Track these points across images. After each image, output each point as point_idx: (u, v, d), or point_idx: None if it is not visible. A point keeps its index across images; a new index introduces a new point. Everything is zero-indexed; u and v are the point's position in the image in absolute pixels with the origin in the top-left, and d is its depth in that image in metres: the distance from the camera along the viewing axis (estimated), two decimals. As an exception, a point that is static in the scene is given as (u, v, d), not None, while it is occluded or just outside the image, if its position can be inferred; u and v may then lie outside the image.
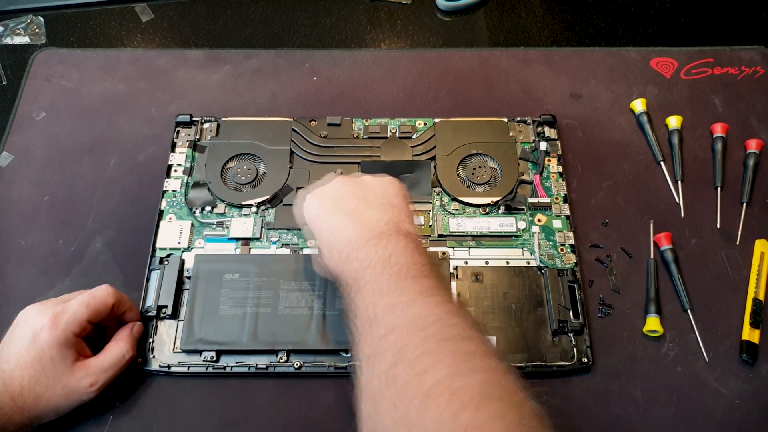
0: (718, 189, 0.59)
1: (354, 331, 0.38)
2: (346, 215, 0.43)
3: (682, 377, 0.50)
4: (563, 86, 0.66)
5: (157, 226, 0.55)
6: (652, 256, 0.55)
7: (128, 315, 0.49)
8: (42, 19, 0.72)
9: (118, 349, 0.46)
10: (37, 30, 0.71)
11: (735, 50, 0.68)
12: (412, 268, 0.38)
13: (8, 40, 0.71)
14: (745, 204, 0.58)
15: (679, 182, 0.59)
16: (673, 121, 0.62)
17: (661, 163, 0.60)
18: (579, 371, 0.50)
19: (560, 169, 0.59)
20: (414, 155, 0.59)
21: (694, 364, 0.51)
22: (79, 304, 0.45)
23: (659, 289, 0.53)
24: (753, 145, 0.60)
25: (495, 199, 0.56)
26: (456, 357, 0.32)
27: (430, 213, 0.56)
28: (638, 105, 0.63)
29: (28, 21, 0.72)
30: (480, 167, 0.58)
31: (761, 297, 0.53)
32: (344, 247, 0.41)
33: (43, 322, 0.43)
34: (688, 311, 0.52)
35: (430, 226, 0.55)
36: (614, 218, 0.57)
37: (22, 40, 0.71)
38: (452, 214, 0.56)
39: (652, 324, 0.51)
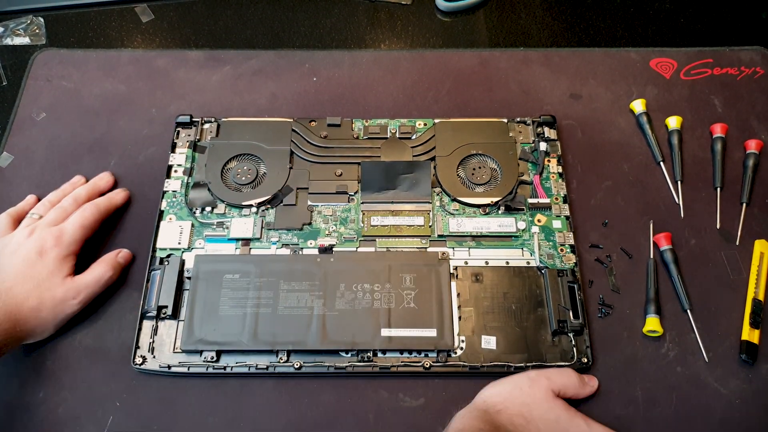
0: (718, 189, 0.59)
1: None
2: None
3: (682, 377, 0.50)
4: (563, 87, 0.66)
5: (157, 227, 0.55)
6: (651, 256, 0.55)
7: (114, 199, 0.55)
8: (42, 20, 0.72)
9: (100, 269, 0.51)
10: (37, 30, 0.71)
11: (735, 51, 0.68)
12: None
13: (8, 41, 0.71)
14: (744, 204, 0.58)
15: (679, 182, 0.59)
16: (673, 122, 0.62)
17: (661, 163, 0.60)
18: (579, 371, 0.50)
19: (560, 170, 0.59)
20: (414, 155, 0.59)
21: (694, 364, 0.51)
22: (75, 226, 0.51)
23: (659, 290, 0.54)
24: (752, 146, 0.60)
25: (495, 199, 0.56)
26: None
27: (430, 213, 0.56)
28: (638, 105, 0.63)
29: (29, 21, 0.72)
30: (480, 167, 0.58)
31: (761, 297, 0.53)
32: None
33: (48, 241, 0.49)
34: (688, 311, 0.52)
35: (430, 226, 0.55)
36: (614, 218, 0.58)
37: (23, 40, 0.71)
38: (452, 214, 0.56)
39: (652, 324, 0.51)
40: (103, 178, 0.58)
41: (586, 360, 0.50)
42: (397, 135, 0.60)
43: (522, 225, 0.55)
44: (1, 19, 0.72)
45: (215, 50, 0.69)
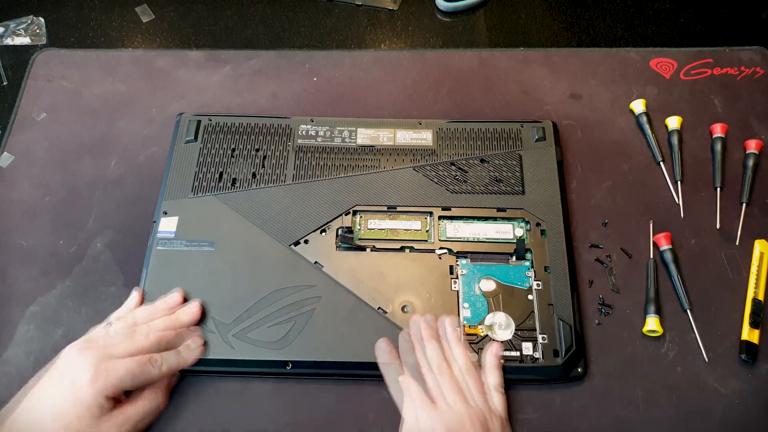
0: (718, 189, 0.59)
1: None
2: None
3: (682, 377, 0.50)
4: (563, 87, 0.66)
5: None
6: (651, 256, 0.55)
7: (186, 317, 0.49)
8: (42, 20, 0.72)
9: (155, 399, 0.45)
10: (37, 31, 0.72)
11: (734, 51, 0.68)
12: None
13: (9, 41, 0.71)
14: (744, 204, 0.58)
15: (679, 183, 0.59)
16: (673, 122, 0.62)
17: (661, 163, 0.60)
18: (574, 379, 0.50)
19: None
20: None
21: (694, 364, 0.51)
22: (127, 372, 0.42)
23: (659, 290, 0.54)
24: (752, 146, 0.60)
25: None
26: None
27: (428, 219, 0.56)
28: (638, 105, 0.63)
29: (29, 22, 0.72)
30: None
31: (761, 297, 0.53)
32: None
33: (87, 375, 0.41)
34: (688, 311, 0.52)
35: (427, 231, 0.55)
36: (614, 218, 0.58)
37: (23, 40, 0.71)
38: (449, 219, 0.56)
39: (652, 324, 0.51)
40: (193, 329, 0.49)
41: (580, 370, 0.49)
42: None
43: (519, 232, 0.55)
44: (2, 19, 0.72)
45: (215, 50, 0.69)
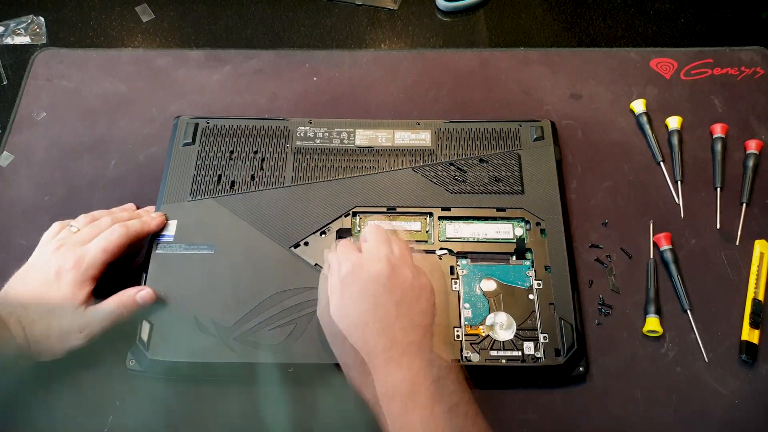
0: (718, 189, 0.59)
1: None
2: (376, 320, 0.43)
3: (682, 377, 0.50)
4: (563, 87, 0.66)
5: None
6: (651, 256, 0.55)
7: (145, 226, 0.52)
8: (43, 20, 0.72)
9: (112, 306, 0.48)
10: (37, 30, 0.72)
11: (735, 51, 0.68)
12: (470, 403, 0.41)
13: (9, 40, 0.71)
14: (744, 204, 0.58)
15: (679, 183, 0.59)
16: (673, 122, 0.62)
17: (661, 163, 0.60)
18: (576, 378, 0.50)
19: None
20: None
21: (694, 364, 0.51)
22: (97, 249, 0.49)
23: (659, 290, 0.54)
24: (752, 146, 0.60)
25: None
26: None
27: (428, 219, 0.56)
28: (638, 105, 0.63)
29: (29, 21, 0.72)
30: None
31: (761, 297, 0.53)
32: (367, 357, 0.42)
33: (68, 262, 0.48)
34: (688, 311, 0.52)
35: (427, 231, 0.55)
36: (614, 218, 0.58)
37: (23, 40, 0.71)
38: (449, 220, 0.56)
39: (652, 324, 0.51)
40: (150, 212, 0.55)
41: (582, 369, 0.49)
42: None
43: (519, 232, 0.55)
44: (2, 19, 0.72)
45: (215, 50, 0.69)
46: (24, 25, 0.72)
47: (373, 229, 0.48)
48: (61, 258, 0.48)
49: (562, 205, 0.56)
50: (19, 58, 0.69)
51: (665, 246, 0.55)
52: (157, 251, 0.53)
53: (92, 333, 0.47)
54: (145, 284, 0.51)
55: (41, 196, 0.59)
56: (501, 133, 0.60)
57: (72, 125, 0.63)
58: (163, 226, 0.54)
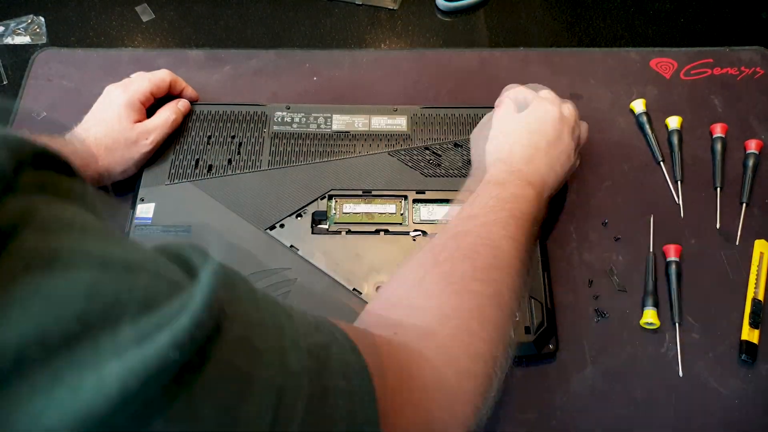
0: (718, 189, 0.59)
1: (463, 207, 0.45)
2: (530, 146, 0.49)
3: (682, 377, 0.50)
4: (563, 87, 0.66)
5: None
6: (651, 250, 0.55)
7: (185, 93, 0.61)
8: (43, 19, 0.72)
9: (165, 113, 0.58)
10: (37, 30, 0.72)
11: (735, 51, 0.68)
12: (530, 222, 0.45)
13: (9, 40, 0.71)
14: (744, 204, 0.58)
15: (679, 183, 0.59)
16: (673, 122, 0.62)
17: (661, 163, 0.60)
18: (546, 356, 0.50)
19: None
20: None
21: (694, 364, 0.51)
22: (143, 78, 0.58)
23: (657, 283, 0.54)
24: (752, 146, 0.60)
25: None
26: (499, 295, 0.40)
27: (403, 202, 0.56)
28: (638, 105, 0.63)
29: (29, 21, 0.72)
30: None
31: (761, 297, 0.53)
32: (510, 166, 0.48)
33: (118, 89, 0.57)
34: (676, 325, 0.52)
35: (402, 214, 0.56)
36: (614, 218, 0.58)
37: (23, 39, 0.71)
38: (423, 203, 0.56)
39: (649, 316, 0.51)
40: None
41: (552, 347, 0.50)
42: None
43: None
44: (2, 18, 0.72)
45: (215, 50, 0.69)
46: (24, 24, 0.72)
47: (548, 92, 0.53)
48: (115, 87, 0.58)
49: None
50: (19, 58, 0.69)
51: (672, 257, 0.55)
52: (135, 234, 0.54)
53: (157, 138, 0.56)
54: None
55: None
56: (476, 119, 0.60)
57: (72, 125, 0.63)
58: (195, 100, 0.62)
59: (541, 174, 0.48)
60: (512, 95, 0.53)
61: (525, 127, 0.50)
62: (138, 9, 0.74)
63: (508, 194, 0.45)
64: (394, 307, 0.38)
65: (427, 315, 0.37)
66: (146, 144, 0.56)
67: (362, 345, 0.30)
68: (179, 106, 0.59)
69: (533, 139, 0.49)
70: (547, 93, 0.53)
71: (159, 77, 0.58)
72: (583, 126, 0.54)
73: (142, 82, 0.57)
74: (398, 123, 0.60)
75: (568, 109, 0.52)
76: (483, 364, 0.36)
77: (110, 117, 0.55)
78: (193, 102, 0.62)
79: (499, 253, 0.41)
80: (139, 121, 0.56)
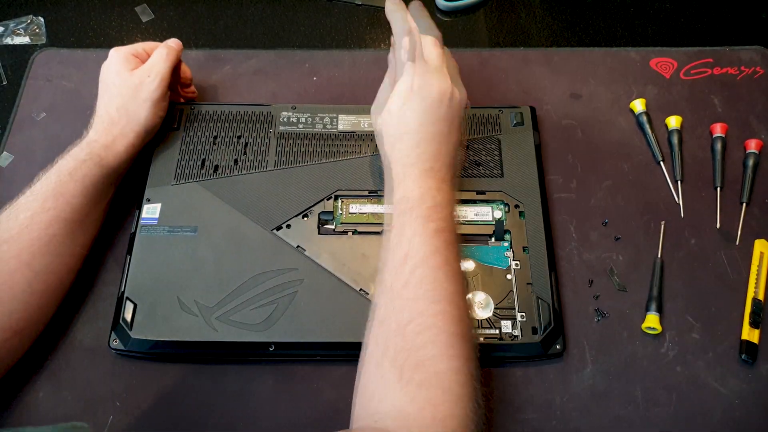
0: (718, 189, 0.59)
1: (386, 244, 0.45)
2: (429, 137, 0.47)
3: (682, 377, 0.50)
4: (563, 86, 0.66)
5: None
6: (659, 255, 0.55)
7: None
8: (42, 20, 0.72)
9: (158, 50, 0.56)
10: (37, 30, 0.71)
11: (734, 50, 0.68)
12: (453, 233, 0.45)
13: (8, 40, 0.71)
14: (744, 204, 0.58)
15: (679, 182, 0.59)
16: (673, 121, 0.62)
17: (661, 163, 0.60)
18: (553, 356, 0.50)
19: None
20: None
21: (694, 364, 0.51)
22: (136, 45, 0.58)
23: (662, 288, 0.54)
24: (752, 145, 0.60)
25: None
26: (450, 340, 0.41)
27: None
28: (638, 105, 0.63)
29: (29, 21, 0.72)
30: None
31: (761, 297, 0.53)
32: (413, 159, 0.47)
33: (112, 50, 0.57)
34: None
35: None
36: (614, 218, 0.58)
37: (23, 40, 0.71)
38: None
39: (651, 321, 0.51)
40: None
41: (559, 347, 0.50)
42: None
43: (498, 214, 0.55)
44: (2, 19, 0.72)
45: (215, 50, 0.69)
46: (23, 25, 0.72)
47: (433, 42, 0.50)
48: (110, 51, 0.57)
49: (541, 188, 0.57)
50: (19, 58, 0.69)
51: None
52: (141, 234, 0.54)
53: (158, 71, 0.55)
54: (128, 267, 0.52)
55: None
56: (482, 119, 0.60)
57: (72, 125, 0.63)
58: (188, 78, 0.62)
59: (448, 164, 0.48)
60: (411, 79, 0.48)
61: (427, 118, 0.47)
62: (137, 9, 0.74)
63: (429, 209, 0.45)
64: (370, 397, 0.40)
65: (396, 397, 0.39)
66: (150, 81, 0.55)
67: None
68: (169, 42, 0.58)
69: (436, 129, 0.48)
70: (434, 58, 0.49)
71: (146, 42, 0.59)
72: (462, 90, 0.50)
73: (134, 46, 0.58)
74: None
75: (456, 77, 0.50)
76: (458, 419, 0.38)
77: (110, 80, 0.55)
78: (198, 102, 0.62)
79: (440, 293, 0.42)
80: (135, 68, 0.57)
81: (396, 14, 0.50)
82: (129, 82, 0.55)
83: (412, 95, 0.47)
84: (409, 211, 0.45)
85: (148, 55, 0.57)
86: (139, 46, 0.58)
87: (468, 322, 0.43)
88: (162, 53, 0.56)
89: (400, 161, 0.47)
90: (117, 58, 0.56)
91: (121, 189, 0.57)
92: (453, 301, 0.42)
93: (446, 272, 0.43)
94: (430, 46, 0.49)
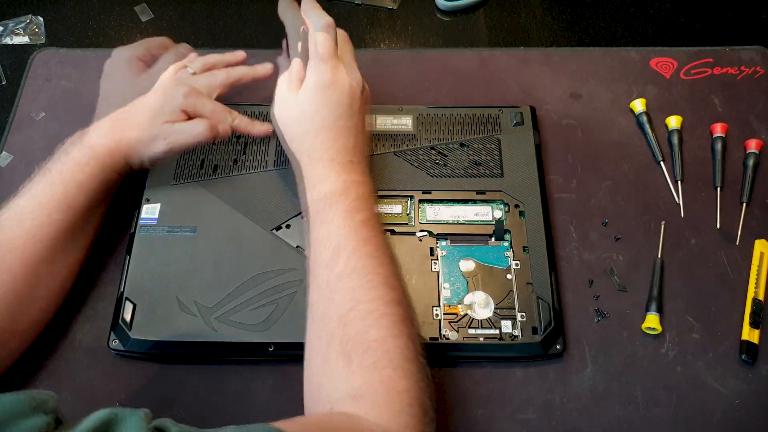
0: (718, 189, 0.59)
1: (313, 242, 0.45)
2: (333, 132, 0.48)
3: (682, 377, 0.50)
4: (563, 86, 0.66)
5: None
6: (660, 255, 0.55)
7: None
8: (41, 19, 0.72)
9: (198, 125, 0.52)
10: (36, 30, 0.71)
11: (735, 50, 0.68)
12: (378, 222, 0.47)
13: (8, 40, 0.71)
14: (744, 204, 0.58)
15: (679, 182, 0.59)
16: (673, 121, 0.62)
17: (661, 163, 0.60)
18: (553, 356, 0.50)
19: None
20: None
21: (694, 364, 0.51)
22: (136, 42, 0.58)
23: (662, 289, 0.53)
24: (753, 145, 0.60)
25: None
26: (393, 321, 0.42)
27: (409, 202, 0.56)
28: (638, 105, 0.63)
29: (28, 21, 0.72)
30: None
31: (761, 297, 0.53)
32: (333, 154, 0.48)
33: (112, 57, 0.58)
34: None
35: (408, 214, 0.56)
36: (614, 218, 0.58)
37: (22, 40, 0.71)
38: (429, 203, 0.56)
39: (651, 321, 0.51)
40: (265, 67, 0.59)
41: (559, 347, 0.50)
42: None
43: (498, 214, 0.55)
44: (1, 18, 0.72)
45: (215, 50, 0.69)
46: (23, 24, 0.72)
47: (344, 39, 0.51)
48: (173, 95, 0.53)
49: (541, 188, 0.57)
50: (18, 58, 0.69)
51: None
52: (140, 234, 0.54)
53: (175, 142, 0.52)
54: (128, 267, 0.52)
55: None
56: (482, 119, 0.60)
57: (71, 125, 0.62)
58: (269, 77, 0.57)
59: (366, 156, 0.50)
60: (320, 77, 0.49)
61: (342, 113, 0.49)
62: (137, 9, 0.74)
63: (353, 201, 0.46)
64: (319, 390, 0.41)
65: (349, 383, 0.40)
66: (161, 144, 0.52)
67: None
68: (233, 119, 0.55)
69: (351, 123, 0.49)
70: (328, 52, 0.49)
71: (150, 39, 0.59)
72: (357, 75, 0.51)
73: (136, 44, 0.58)
74: (404, 123, 0.60)
75: (351, 63, 0.51)
76: (412, 393, 0.39)
77: (115, 84, 0.56)
78: None
79: (376, 280, 0.43)
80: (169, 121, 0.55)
81: (288, 13, 0.51)
82: (135, 88, 0.54)
83: (326, 92, 0.48)
84: (334, 204, 0.46)
85: (152, 56, 0.57)
86: (143, 47, 0.57)
87: (407, 304, 0.44)
88: (197, 128, 0.53)
89: (319, 157, 0.48)
90: (122, 61, 0.56)
91: (121, 189, 0.57)
92: (389, 284, 0.43)
93: (379, 259, 0.44)
94: (325, 41, 0.50)
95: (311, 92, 0.49)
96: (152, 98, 0.52)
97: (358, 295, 0.42)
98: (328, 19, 0.50)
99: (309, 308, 0.44)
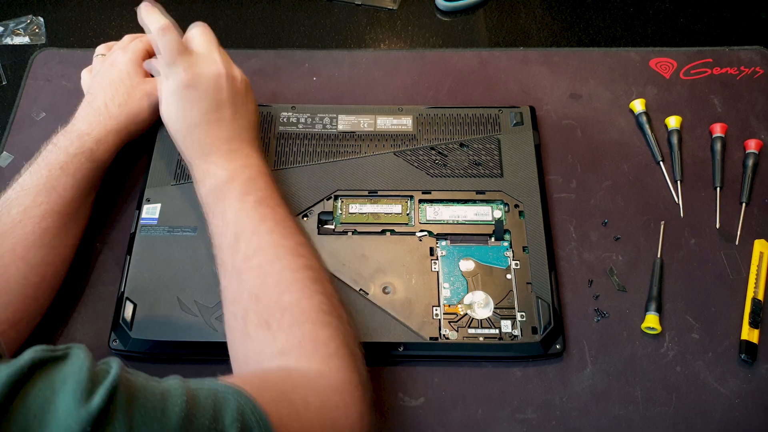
0: (718, 189, 0.59)
1: (213, 233, 0.47)
2: (215, 120, 0.49)
3: (682, 377, 0.50)
4: (563, 86, 0.66)
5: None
6: (659, 255, 0.55)
7: None
8: (42, 20, 0.72)
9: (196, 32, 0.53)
10: (37, 30, 0.72)
11: (734, 50, 0.68)
12: (275, 197, 0.48)
13: (8, 41, 0.71)
14: (744, 204, 0.58)
15: (679, 182, 0.59)
16: (673, 122, 0.62)
17: (661, 163, 0.60)
18: (552, 355, 0.50)
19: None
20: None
21: (694, 363, 0.51)
22: (135, 39, 0.58)
23: (662, 288, 0.53)
24: (752, 145, 0.60)
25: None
26: (304, 284, 0.43)
27: (408, 202, 0.56)
28: (637, 105, 0.63)
29: (28, 21, 0.72)
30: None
31: (760, 297, 0.53)
32: (210, 148, 0.49)
33: (115, 52, 0.57)
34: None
35: (408, 214, 0.56)
36: (614, 218, 0.58)
37: (22, 40, 0.71)
38: (429, 203, 0.56)
39: (651, 321, 0.51)
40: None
41: (559, 347, 0.50)
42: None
43: (498, 214, 0.56)
44: (1, 19, 0.72)
45: (215, 50, 0.69)
46: (23, 25, 0.72)
47: (200, 30, 0.52)
48: (109, 57, 0.57)
49: (540, 188, 0.57)
50: (19, 58, 0.69)
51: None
52: (141, 234, 0.54)
53: (151, 91, 0.55)
54: (128, 267, 0.52)
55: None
56: (481, 119, 0.61)
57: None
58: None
59: (248, 139, 0.50)
60: (163, 66, 0.50)
61: (208, 106, 0.49)
62: (137, 9, 0.74)
63: (242, 185, 0.47)
64: (246, 363, 0.42)
65: (274, 346, 0.41)
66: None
67: (249, 387, 0.35)
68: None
69: (221, 114, 0.49)
70: (201, 47, 0.51)
71: (149, 38, 0.58)
72: (225, 62, 0.52)
73: (137, 44, 0.58)
74: (404, 123, 0.61)
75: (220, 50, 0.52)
76: (338, 340, 0.41)
77: (119, 77, 0.55)
78: None
79: (281, 251, 0.44)
80: (147, 76, 0.57)
81: (150, 17, 0.51)
82: (142, 86, 0.55)
83: (184, 92, 0.49)
84: (224, 194, 0.47)
85: (143, 54, 0.58)
86: (145, 47, 0.57)
87: (318, 267, 0.45)
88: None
89: (199, 153, 0.49)
90: (130, 60, 0.56)
91: (121, 189, 0.57)
92: (296, 252, 0.45)
93: (280, 233, 0.45)
94: (165, 45, 0.49)
95: (171, 96, 0.49)
96: (111, 74, 0.55)
97: (266, 270, 0.43)
98: (162, 22, 0.50)
99: (222, 294, 0.45)
